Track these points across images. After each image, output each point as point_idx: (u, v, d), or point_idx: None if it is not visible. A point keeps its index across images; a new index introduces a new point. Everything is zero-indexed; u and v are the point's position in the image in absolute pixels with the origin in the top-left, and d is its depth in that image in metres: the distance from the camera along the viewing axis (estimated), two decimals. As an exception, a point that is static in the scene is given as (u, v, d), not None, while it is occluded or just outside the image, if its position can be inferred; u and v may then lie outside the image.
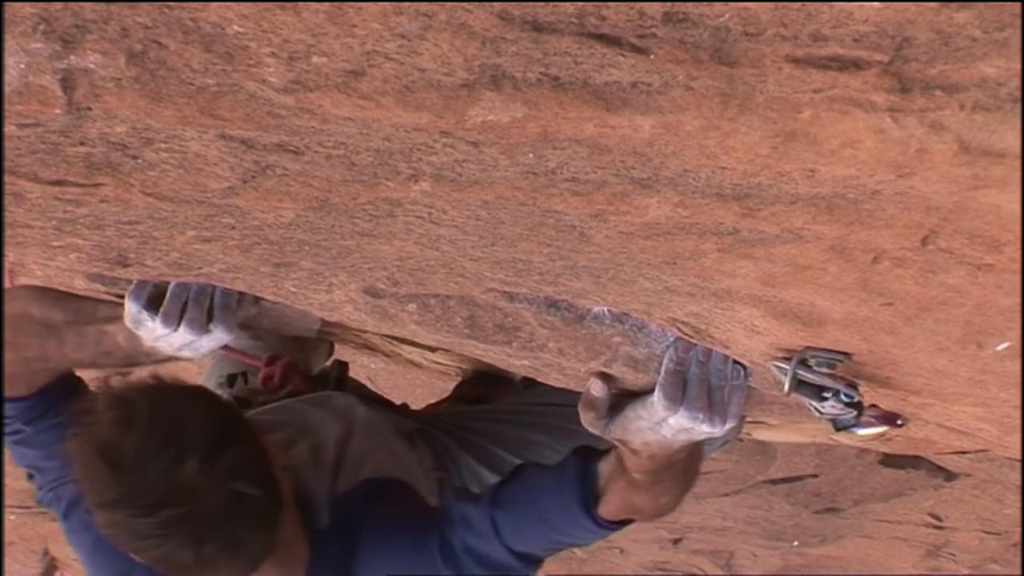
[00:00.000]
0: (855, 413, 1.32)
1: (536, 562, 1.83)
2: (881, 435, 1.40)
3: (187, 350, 1.59)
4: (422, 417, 2.40)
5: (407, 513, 1.83)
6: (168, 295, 1.51)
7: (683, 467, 1.58)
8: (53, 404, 1.72)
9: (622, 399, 1.47)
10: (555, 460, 1.83)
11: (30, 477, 1.85)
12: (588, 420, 1.49)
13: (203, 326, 1.53)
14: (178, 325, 1.52)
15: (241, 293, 1.53)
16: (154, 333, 1.54)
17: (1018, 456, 1.50)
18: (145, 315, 1.52)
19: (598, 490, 1.67)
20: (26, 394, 1.70)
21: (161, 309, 1.51)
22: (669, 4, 0.75)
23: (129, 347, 1.61)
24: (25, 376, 1.69)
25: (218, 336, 1.56)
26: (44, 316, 1.62)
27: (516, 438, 2.25)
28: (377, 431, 2.07)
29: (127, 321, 1.54)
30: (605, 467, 1.66)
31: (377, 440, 2.03)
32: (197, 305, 1.53)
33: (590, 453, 1.72)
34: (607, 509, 1.67)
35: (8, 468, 2.08)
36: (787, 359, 1.25)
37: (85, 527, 1.71)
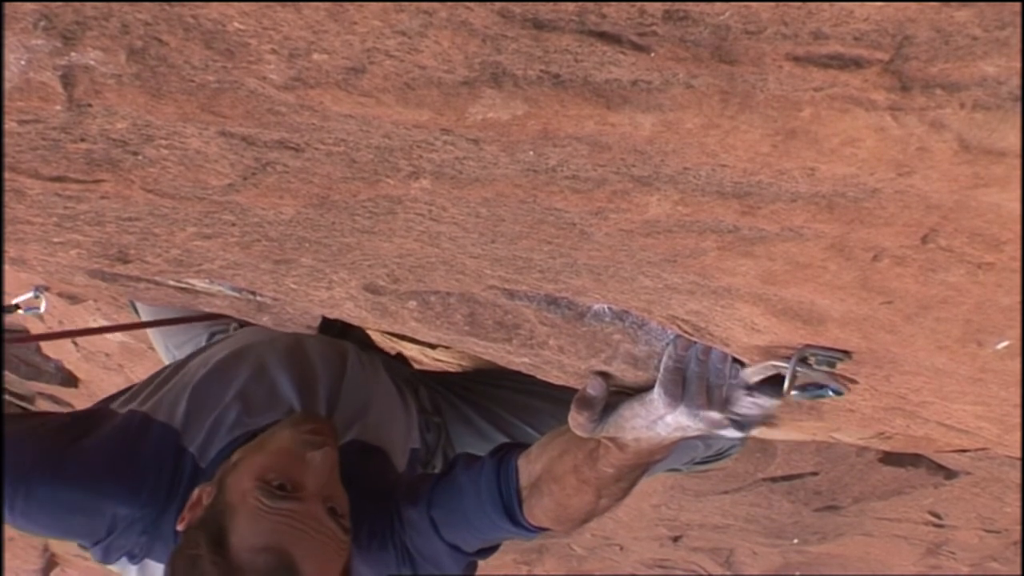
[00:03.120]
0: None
1: (484, 552, 1.84)
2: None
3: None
4: (425, 371, 2.41)
5: (378, 491, 1.83)
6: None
7: (644, 469, 1.58)
8: None
9: (616, 397, 1.47)
10: (554, 428, 1.85)
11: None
12: (581, 420, 1.47)
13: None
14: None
15: None
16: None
17: (1018, 454, 1.50)
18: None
19: (520, 489, 1.66)
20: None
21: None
22: (670, 2, 0.75)
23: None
24: None
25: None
26: None
27: (519, 403, 2.26)
28: (369, 379, 2.08)
29: None
30: (527, 465, 1.66)
31: (368, 392, 2.04)
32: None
33: (509, 450, 1.72)
34: (535, 512, 1.67)
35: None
36: (787, 358, 1.25)
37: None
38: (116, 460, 1.74)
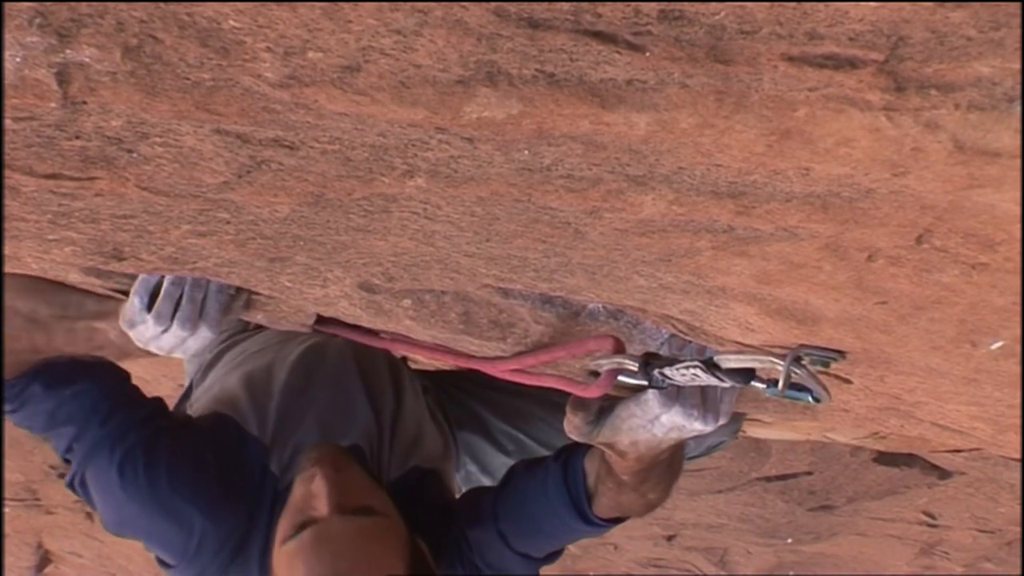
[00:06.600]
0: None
1: (553, 555, 1.86)
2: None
3: (178, 351, 1.54)
4: (419, 371, 2.40)
5: (441, 515, 1.83)
6: (162, 294, 1.47)
7: (668, 463, 1.59)
8: (48, 386, 1.62)
9: (611, 400, 1.47)
10: (549, 434, 1.83)
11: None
12: (576, 423, 1.47)
13: (195, 324, 1.49)
14: (170, 325, 1.48)
15: (237, 289, 1.48)
16: (146, 335, 1.50)
17: (1012, 455, 1.51)
18: (143, 315, 1.47)
19: (588, 488, 1.68)
20: (13, 376, 1.61)
21: (154, 309, 1.47)
22: (665, 2, 0.75)
23: (121, 343, 1.56)
24: (12, 364, 1.60)
25: (204, 335, 1.51)
26: (29, 310, 1.55)
27: (512, 407, 2.24)
28: (419, 406, 2.08)
29: (122, 321, 1.50)
30: (591, 464, 1.67)
31: (420, 420, 2.03)
32: (191, 303, 1.47)
33: (572, 452, 1.72)
34: (600, 508, 1.69)
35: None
36: (781, 357, 1.25)
37: (105, 472, 1.63)
38: (214, 470, 1.70)
